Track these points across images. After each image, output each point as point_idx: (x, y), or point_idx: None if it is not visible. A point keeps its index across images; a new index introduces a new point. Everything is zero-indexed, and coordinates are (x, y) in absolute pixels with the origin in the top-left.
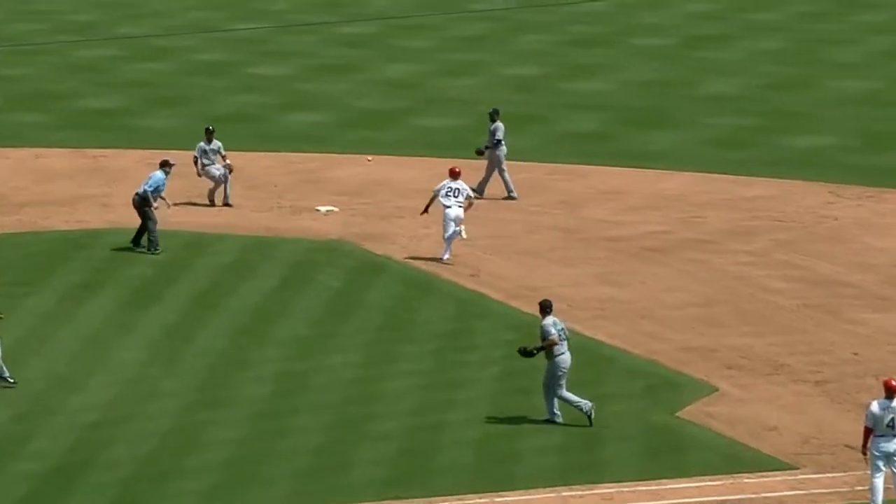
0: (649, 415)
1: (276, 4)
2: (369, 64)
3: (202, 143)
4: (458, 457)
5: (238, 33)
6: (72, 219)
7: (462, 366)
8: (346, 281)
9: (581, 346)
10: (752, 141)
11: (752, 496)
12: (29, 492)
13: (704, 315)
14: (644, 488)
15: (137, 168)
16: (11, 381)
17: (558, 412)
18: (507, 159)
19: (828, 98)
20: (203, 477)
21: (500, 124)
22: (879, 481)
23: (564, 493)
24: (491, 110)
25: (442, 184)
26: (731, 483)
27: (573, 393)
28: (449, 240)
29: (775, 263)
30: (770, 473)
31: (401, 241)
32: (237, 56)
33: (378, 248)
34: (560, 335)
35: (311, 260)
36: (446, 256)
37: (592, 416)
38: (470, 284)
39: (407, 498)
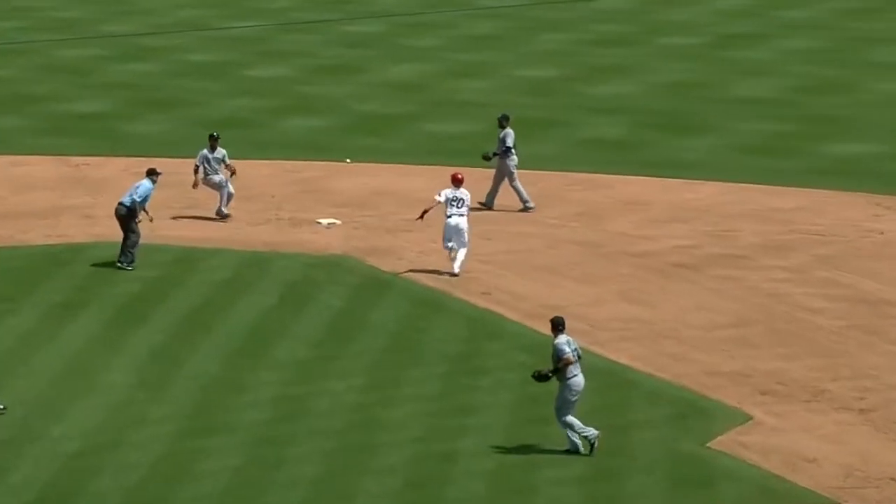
0: (677, 444)
1: (274, 1)
2: (373, 65)
3: (205, 151)
4: (469, 489)
5: (233, 32)
6: (53, 232)
7: (474, 391)
8: (348, 299)
9: (603, 369)
10: (788, 148)
11: None
12: None
13: (736, 336)
14: None
15: (123, 177)
16: (1, 406)
17: (579, 441)
18: (522, 168)
19: (869, 101)
20: None
21: (509, 130)
22: None
23: None
24: (500, 115)
25: (444, 193)
26: None
27: (581, 421)
28: (447, 246)
29: (814, 280)
30: None
31: (408, 255)
32: (232, 56)
33: (383, 264)
34: (574, 355)
35: (311, 277)
36: (456, 269)
37: (596, 445)
38: (482, 303)
39: None
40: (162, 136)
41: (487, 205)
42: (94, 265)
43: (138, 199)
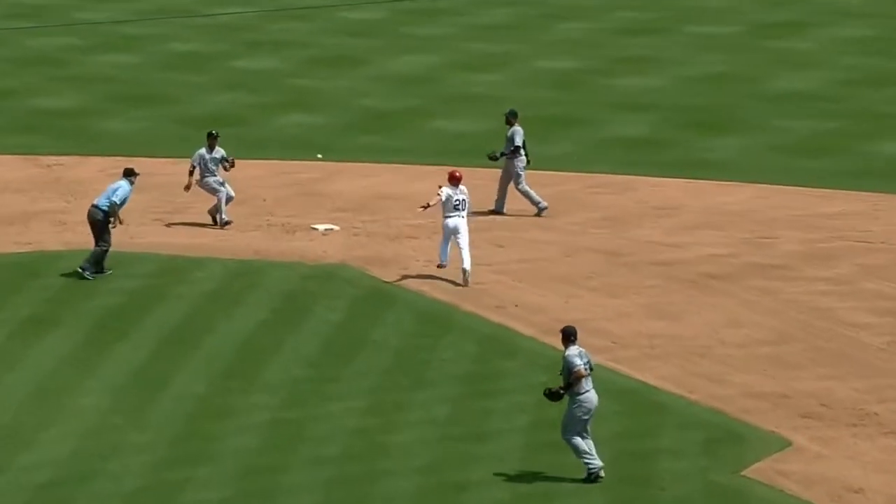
0: (709, 474)
1: None
2: (376, 56)
3: (203, 151)
4: None
5: (220, 19)
6: (22, 239)
7: (485, 414)
8: (348, 314)
9: (626, 390)
10: (833, 147)
11: None
12: None
13: (775, 354)
14: None
15: (100, 178)
16: None
17: (596, 460)
18: (539, 169)
19: None
20: None
21: (518, 128)
22: None
23: None
24: (507, 111)
25: (445, 191)
26: None
27: (595, 446)
28: (443, 249)
29: (861, 293)
30: None
31: (414, 265)
32: (219, 47)
33: (386, 274)
34: (586, 368)
35: (306, 288)
36: (445, 261)
37: (601, 477)
38: (496, 317)
39: None
40: (142, 134)
41: (498, 210)
42: (67, 276)
43: (118, 202)
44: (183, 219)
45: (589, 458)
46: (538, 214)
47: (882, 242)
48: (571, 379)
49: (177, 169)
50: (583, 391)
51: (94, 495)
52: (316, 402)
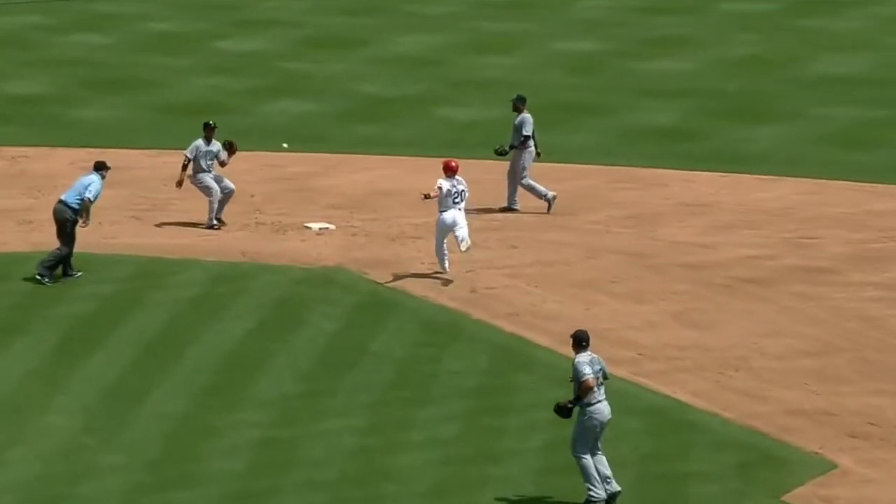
0: (745, 500)
1: None
2: (376, 36)
3: (200, 143)
4: None
5: None
6: None
7: (498, 433)
8: (345, 322)
9: (654, 407)
10: (883, 137)
11: None
12: None
13: (819, 367)
14: None
15: (70, 172)
16: None
17: (600, 490)
18: (556, 161)
19: None
20: None
21: (527, 115)
22: None
23: None
24: (514, 97)
25: (443, 183)
26: None
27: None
28: (441, 255)
29: None
30: None
31: (418, 268)
32: (202, 26)
33: (388, 279)
34: (597, 378)
35: (299, 294)
36: (446, 265)
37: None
38: (509, 326)
39: None
40: (117, 122)
41: (510, 207)
42: (33, 281)
43: (91, 198)
44: (163, 217)
45: (593, 488)
46: (549, 208)
47: None
48: (580, 390)
49: (155, 161)
50: (594, 401)
51: None
52: (310, 419)
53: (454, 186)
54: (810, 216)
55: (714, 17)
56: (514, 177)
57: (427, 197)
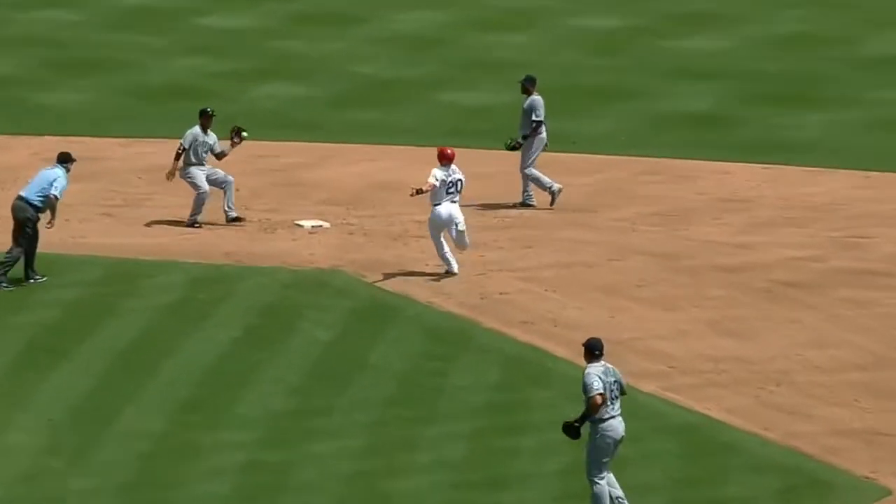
0: None
1: None
2: (375, 12)
3: (196, 131)
4: None
5: None
6: None
7: (511, 455)
8: (341, 331)
9: (686, 426)
10: None
11: None
12: None
13: (870, 381)
14: None
15: (34, 163)
16: None
17: (623, 502)
18: (576, 152)
19: None
20: None
21: (538, 98)
22: None
23: None
24: (523, 78)
25: (437, 174)
26: None
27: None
28: (445, 256)
29: None
30: None
31: (422, 271)
32: (181, 1)
33: (388, 283)
34: (611, 391)
35: (290, 300)
36: (454, 266)
37: None
38: (523, 335)
39: None
40: (86, 108)
41: (525, 203)
42: None
43: (57, 195)
44: (137, 214)
45: None
46: (553, 201)
47: None
48: (587, 407)
49: (128, 151)
50: (606, 417)
51: None
52: (301, 440)
53: (449, 176)
54: (861, 213)
55: None
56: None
57: (419, 192)
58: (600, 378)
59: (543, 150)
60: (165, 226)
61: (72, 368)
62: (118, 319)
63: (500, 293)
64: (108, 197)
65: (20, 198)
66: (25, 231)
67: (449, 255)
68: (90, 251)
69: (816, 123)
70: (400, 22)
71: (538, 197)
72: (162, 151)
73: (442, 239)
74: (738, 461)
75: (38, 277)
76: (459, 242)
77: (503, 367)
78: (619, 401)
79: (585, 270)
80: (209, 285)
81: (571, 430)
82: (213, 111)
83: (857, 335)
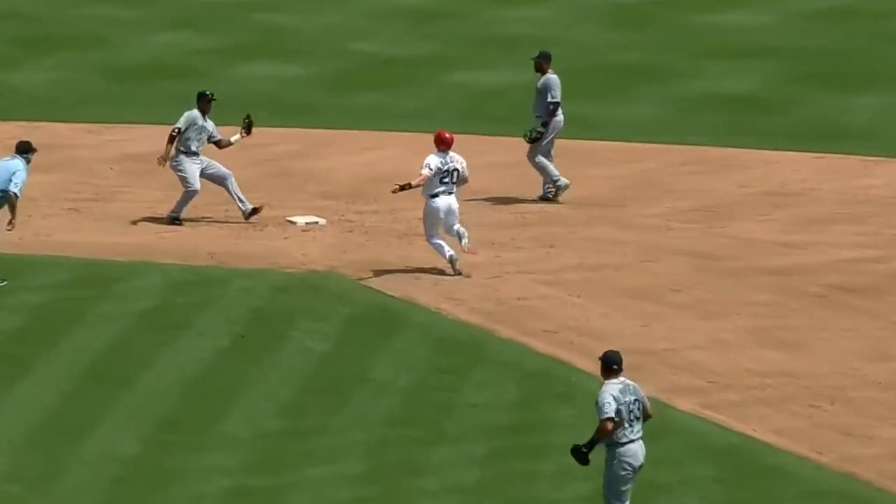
0: None
1: None
2: None
3: (195, 114)
4: None
5: None
6: None
7: (530, 480)
8: (339, 341)
9: (728, 447)
10: None
11: None
12: None
13: None
14: None
15: None
16: None
17: None
18: (602, 139)
19: None
20: None
21: (553, 77)
22: None
23: None
24: (537, 55)
25: (432, 162)
26: None
27: None
28: (440, 247)
29: None
30: None
31: (429, 272)
32: None
33: (392, 287)
34: (629, 412)
35: (281, 306)
36: (448, 252)
37: None
38: (543, 346)
39: None
40: (53, 89)
41: (546, 197)
42: None
43: (17, 192)
44: (109, 209)
45: None
46: (556, 195)
47: None
48: (596, 430)
49: (99, 139)
50: (623, 440)
51: None
52: (294, 463)
53: (445, 164)
54: None
55: None
56: (544, 157)
57: (406, 187)
58: (615, 398)
59: (557, 135)
60: (141, 222)
61: (34, 382)
62: (88, 327)
63: (518, 299)
64: (76, 190)
65: None
66: None
67: (443, 244)
68: (56, 251)
69: (874, 107)
70: None
71: (573, 192)
72: (136, 138)
73: (437, 231)
74: (786, 488)
75: None
76: (462, 241)
77: (521, 382)
78: (639, 422)
79: (614, 273)
80: (190, 289)
81: (579, 454)
82: (212, 95)
83: None
